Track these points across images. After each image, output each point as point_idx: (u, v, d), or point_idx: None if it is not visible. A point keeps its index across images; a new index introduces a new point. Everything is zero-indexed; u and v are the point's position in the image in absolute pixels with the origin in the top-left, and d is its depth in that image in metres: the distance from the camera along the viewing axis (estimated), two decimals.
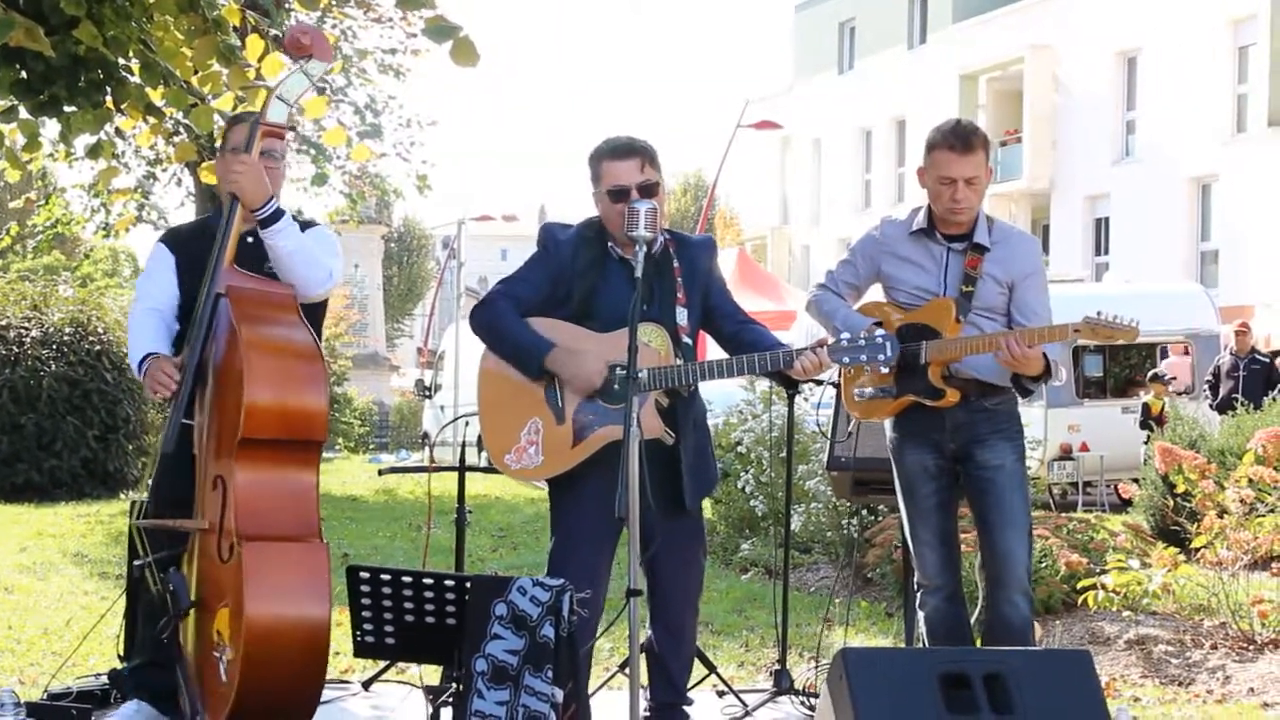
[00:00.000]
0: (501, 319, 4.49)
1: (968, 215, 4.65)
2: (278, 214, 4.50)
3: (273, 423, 4.20)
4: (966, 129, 4.63)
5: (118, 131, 6.76)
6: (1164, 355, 16.77)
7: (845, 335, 4.35)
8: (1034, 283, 4.73)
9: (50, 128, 6.64)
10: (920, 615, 4.80)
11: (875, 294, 4.91)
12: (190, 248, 4.73)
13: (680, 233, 4.71)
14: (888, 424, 4.84)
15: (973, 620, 4.80)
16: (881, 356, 4.28)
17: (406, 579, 4.30)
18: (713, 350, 5.00)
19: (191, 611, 4.27)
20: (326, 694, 4.49)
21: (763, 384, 9.95)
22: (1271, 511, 6.58)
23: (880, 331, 4.34)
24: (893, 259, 4.77)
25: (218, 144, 5.12)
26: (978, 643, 4.75)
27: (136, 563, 4.58)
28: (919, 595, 4.80)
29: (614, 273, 4.49)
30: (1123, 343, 4.57)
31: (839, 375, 5.05)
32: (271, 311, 4.42)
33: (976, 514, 4.71)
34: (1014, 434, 4.72)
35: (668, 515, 4.39)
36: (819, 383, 5.42)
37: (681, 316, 4.49)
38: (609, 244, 4.53)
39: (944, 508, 4.74)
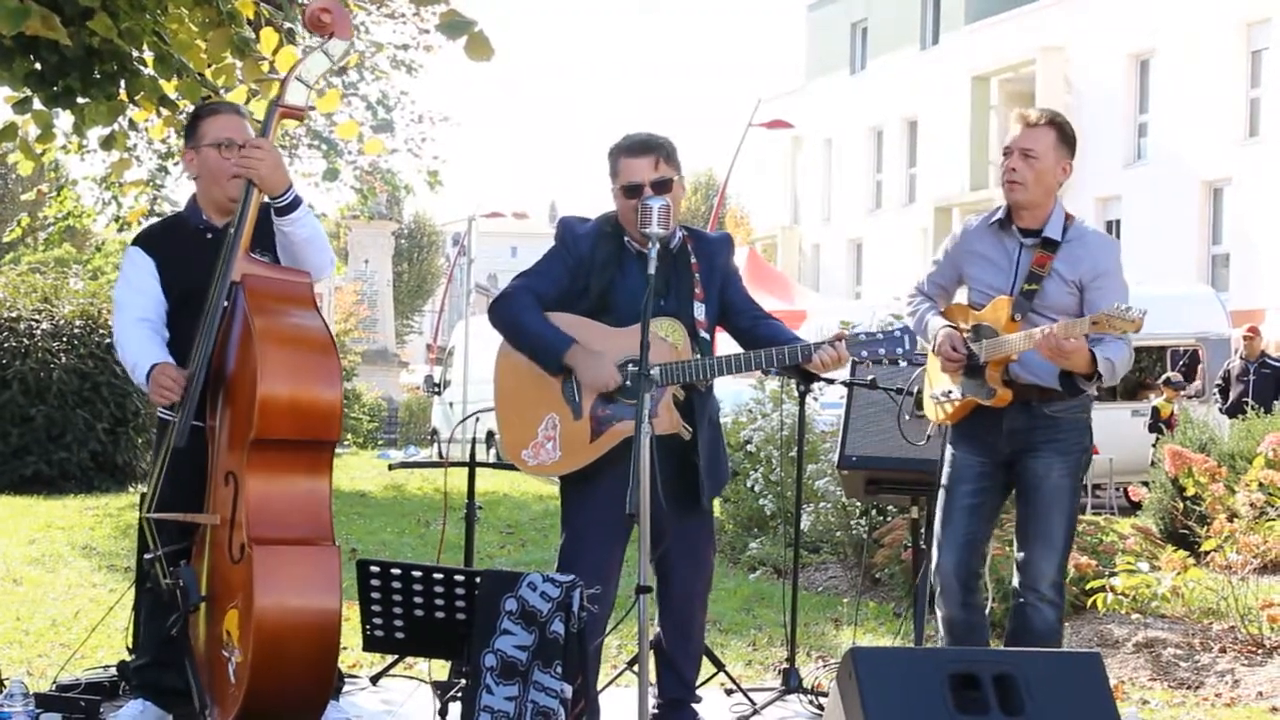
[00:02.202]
0: (522, 314, 4.48)
1: (1022, 193, 4.59)
2: (296, 201, 4.38)
3: (286, 422, 4.08)
4: (1038, 110, 4.65)
5: (131, 123, 6.76)
6: (1175, 359, 16.72)
7: (864, 329, 4.34)
8: (1104, 284, 4.60)
9: (64, 119, 6.64)
10: (939, 617, 4.79)
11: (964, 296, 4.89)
12: (166, 247, 4.63)
13: (698, 229, 4.70)
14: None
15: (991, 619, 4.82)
16: (900, 350, 4.25)
17: (416, 573, 4.28)
18: (727, 347, 4.98)
19: (203, 605, 4.23)
20: None
21: (772, 383, 9.93)
22: None
23: (900, 324, 4.33)
24: (970, 256, 4.76)
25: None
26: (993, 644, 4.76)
27: (147, 556, 4.48)
28: (937, 595, 4.79)
29: (631, 267, 4.48)
30: (1129, 334, 4.51)
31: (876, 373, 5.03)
32: (288, 302, 4.28)
33: (1017, 518, 4.72)
34: (1069, 446, 4.63)
35: (679, 513, 4.38)
36: (830, 381, 5.40)
37: (699, 311, 4.47)
38: (626, 239, 4.53)
39: (978, 510, 4.71)
